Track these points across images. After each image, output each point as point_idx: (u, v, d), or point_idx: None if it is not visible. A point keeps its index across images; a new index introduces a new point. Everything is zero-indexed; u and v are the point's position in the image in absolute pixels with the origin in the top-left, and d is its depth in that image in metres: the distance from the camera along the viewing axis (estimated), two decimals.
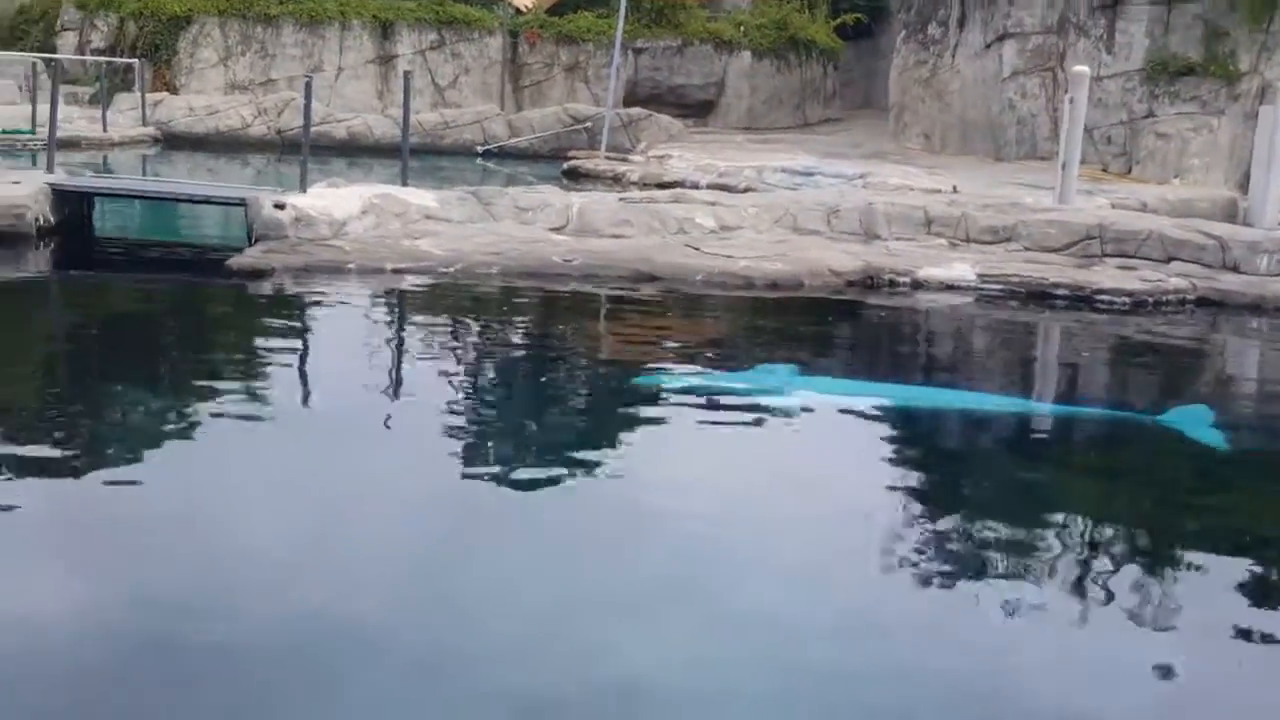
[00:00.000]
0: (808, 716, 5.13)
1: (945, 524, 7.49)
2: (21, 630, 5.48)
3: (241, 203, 15.76)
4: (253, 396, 9.48)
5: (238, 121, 32.66)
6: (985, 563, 6.85)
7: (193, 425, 8.76)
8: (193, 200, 17.51)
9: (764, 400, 9.77)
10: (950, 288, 15.22)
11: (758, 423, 9.33)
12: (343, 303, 13.27)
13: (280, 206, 15.13)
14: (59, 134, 17.87)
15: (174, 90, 34.08)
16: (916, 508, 7.82)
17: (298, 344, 11.81)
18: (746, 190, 21.59)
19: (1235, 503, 8.53)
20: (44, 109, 25.85)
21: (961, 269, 15.51)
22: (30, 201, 15.01)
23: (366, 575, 6.36)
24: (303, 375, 10.57)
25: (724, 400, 9.75)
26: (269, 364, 10.57)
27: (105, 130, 29.15)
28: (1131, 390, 11.94)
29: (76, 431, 8.56)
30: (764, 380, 10.32)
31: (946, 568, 6.75)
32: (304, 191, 16.09)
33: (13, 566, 6.23)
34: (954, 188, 20.10)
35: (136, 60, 32.82)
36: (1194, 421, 9.56)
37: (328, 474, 7.85)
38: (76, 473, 7.65)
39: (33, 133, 26.80)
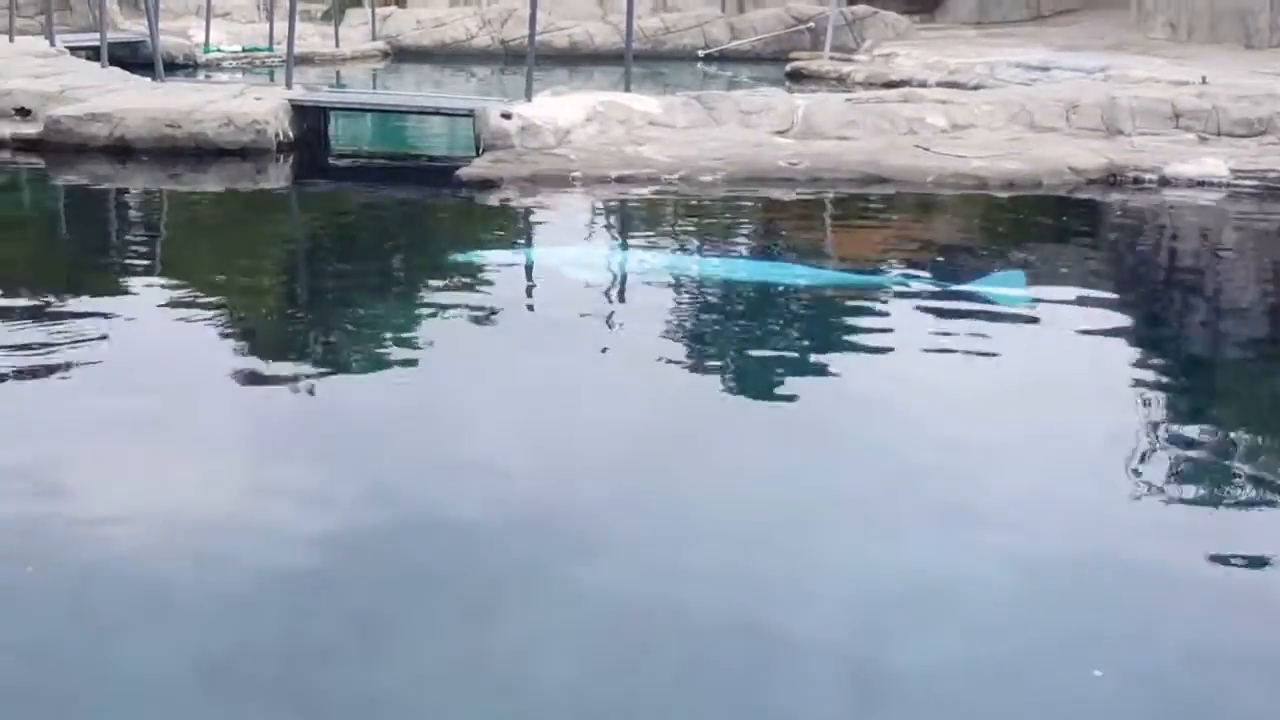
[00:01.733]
0: (1059, 627, 4.88)
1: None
2: (269, 530, 5.62)
3: (469, 113, 15.91)
4: (479, 304, 9.54)
5: (462, 33, 33.08)
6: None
7: (422, 330, 8.89)
8: (423, 112, 17.78)
9: (999, 306, 9.44)
10: (1200, 184, 14.36)
11: (992, 327, 8.95)
12: (568, 209, 13.31)
13: (507, 116, 15.21)
14: (294, 50, 18.30)
15: (402, 4, 34.70)
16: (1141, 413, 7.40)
17: (523, 252, 11.77)
18: (978, 87, 20.78)
19: None
20: (280, 26, 26.65)
21: (1213, 164, 14.60)
22: (270, 117, 15.43)
23: (594, 473, 6.38)
24: (529, 283, 10.61)
25: (955, 304, 9.40)
26: (495, 272, 10.60)
27: (337, 46, 29.89)
28: None
29: (312, 336, 8.82)
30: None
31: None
32: (529, 100, 16.13)
33: (258, 466, 6.40)
34: (1203, 79, 18.91)
35: None
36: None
37: (555, 377, 7.86)
38: (313, 375, 7.82)
39: (270, 49, 27.68)
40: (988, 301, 9.55)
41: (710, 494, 6.14)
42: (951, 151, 14.97)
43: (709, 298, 10.15)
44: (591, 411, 7.27)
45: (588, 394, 7.60)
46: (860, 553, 5.49)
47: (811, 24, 32.52)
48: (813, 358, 8.44)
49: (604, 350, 8.68)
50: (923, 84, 21.38)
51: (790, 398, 7.68)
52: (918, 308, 9.38)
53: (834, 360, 8.36)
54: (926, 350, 8.41)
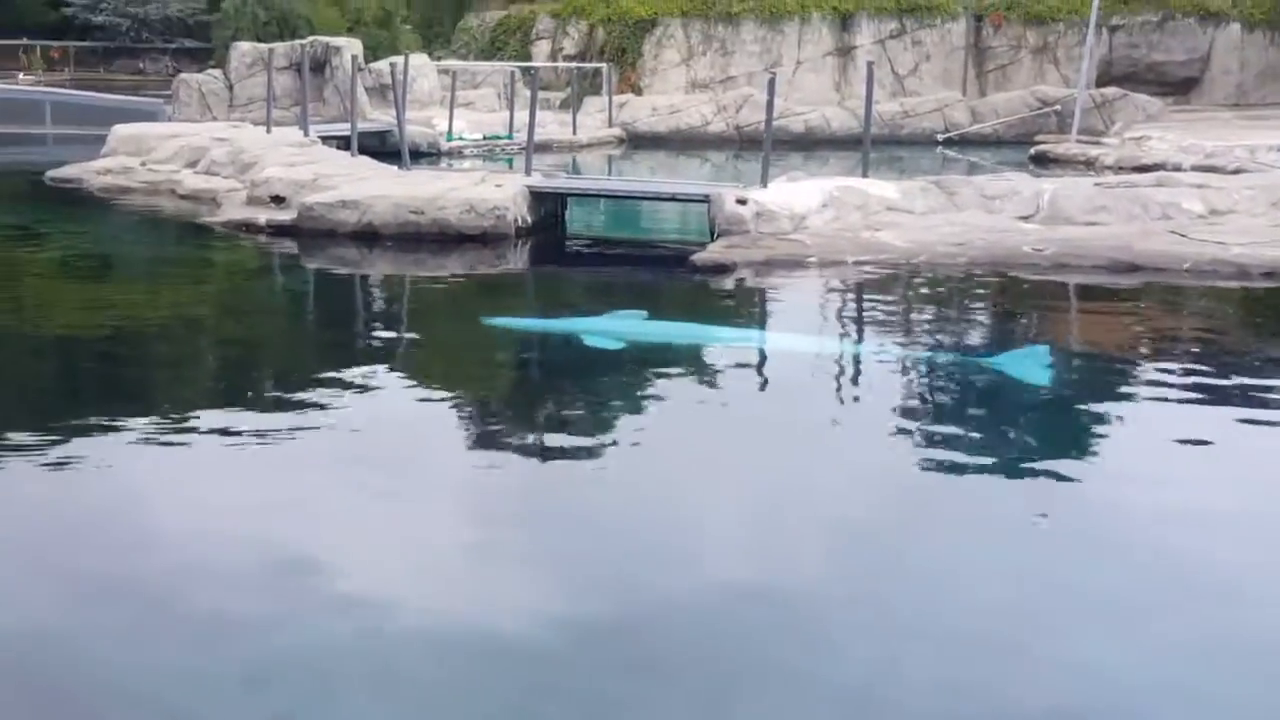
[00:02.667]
0: None
1: None
2: (501, 609, 5.54)
3: (704, 199, 15.88)
4: (712, 383, 9.60)
5: (698, 119, 33.35)
6: None
7: (654, 412, 8.87)
8: (658, 198, 17.85)
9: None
10: None
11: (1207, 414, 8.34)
12: (804, 296, 13.11)
13: (742, 202, 15.12)
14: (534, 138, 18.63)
15: (638, 92, 35.22)
16: None
17: (757, 333, 11.69)
18: (1238, 171, 19.79)
19: None
20: (520, 115, 27.31)
21: None
22: (510, 203, 15.68)
23: (819, 564, 6.23)
24: (761, 365, 10.48)
25: (1213, 396, 8.84)
26: (729, 354, 10.51)
27: (575, 133, 30.44)
28: None
29: (547, 418, 8.83)
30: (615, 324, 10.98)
31: None
32: (765, 186, 16.01)
33: (489, 545, 6.35)
34: None
35: (604, 64, 34.12)
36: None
37: (782, 464, 7.74)
38: (546, 457, 7.87)
39: (510, 137, 28.36)
40: (1006, 377, 9.57)
41: (936, 588, 5.90)
42: (1210, 238, 14.20)
43: (943, 386, 9.77)
44: (817, 499, 7.14)
45: (813, 481, 7.47)
46: (1100, 657, 5.12)
47: (1058, 107, 31.71)
48: (1034, 448, 8.16)
49: (832, 438, 8.49)
50: (1177, 168, 20.47)
51: (1013, 489, 7.34)
52: (1167, 397, 8.81)
53: (1052, 451, 7.98)
54: (1142, 438, 8.07)
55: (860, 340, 11.46)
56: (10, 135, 30.87)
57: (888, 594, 5.89)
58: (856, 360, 10.65)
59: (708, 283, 13.72)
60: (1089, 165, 24.58)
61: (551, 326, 11.49)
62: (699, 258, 14.25)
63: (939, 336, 11.28)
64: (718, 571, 6.08)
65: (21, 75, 49.32)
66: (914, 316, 12.33)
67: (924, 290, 13.20)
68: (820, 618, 5.60)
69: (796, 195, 15.69)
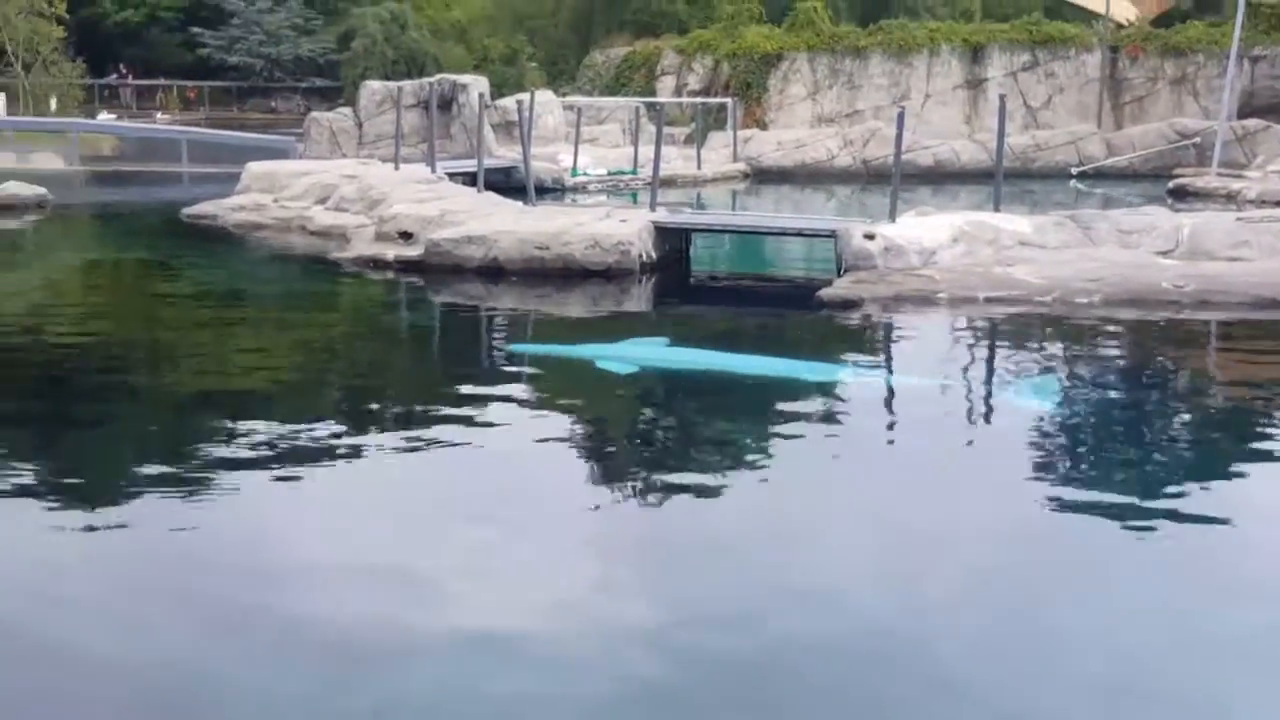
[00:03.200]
0: None
1: None
2: (627, 642, 5.53)
3: (831, 234, 15.67)
4: (838, 420, 9.47)
5: (823, 154, 33.11)
6: None
7: (779, 450, 8.77)
8: (784, 233, 17.66)
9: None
10: None
11: None
12: (931, 331, 12.83)
13: (870, 237, 14.88)
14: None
15: (763, 126, 35.10)
16: None
17: (884, 373, 11.47)
18: None
19: None
20: (644, 150, 27.34)
21: None
22: (635, 238, 15.63)
23: (951, 607, 6.09)
24: (888, 405, 10.26)
25: None
26: (858, 394, 10.34)
27: (699, 168, 30.40)
28: None
29: (666, 452, 8.76)
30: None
31: None
32: (893, 221, 15.75)
33: (614, 579, 6.29)
34: None
35: (729, 99, 34.07)
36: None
37: (912, 502, 7.63)
38: (669, 490, 7.87)
39: (634, 172, 28.40)
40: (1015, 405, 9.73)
41: (1080, 634, 5.69)
42: None
43: (1080, 424, 9.45)
44: (949, 540, 7.00)
45: (944, 521, 7.31)
46: (1241, 704, 4.91)
47: (1197, 139, 30.90)
48: (1184, 485, 7.84)
49: (963, 477, 8.30)
50: None
51: (1162, 528, 7.07)
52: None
53: (1183, 490, 7.72)
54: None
55: (893, 370, 11.46)
56: (149, 173, 31.77)
57: (1018, 636, 5.71)
58: (988, 400, 10.36)
59: (834, 318, 13.50)
60: (1230, 199, 23.85)
61: (573, 351, 11.67)
62: (825, 293, 14.04)
63: (1063, 374, 10.94)
64: (846, 612, 6.00)
65: (160, 115, 50.85)
66: (1038, 353, 11.99)
67: (1056, 326, 12.84)
68: (948, 660, 5.43)
69: (926, 230, 15.40)
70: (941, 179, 30.49)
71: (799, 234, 17.27)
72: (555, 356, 11.79)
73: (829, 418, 9.60)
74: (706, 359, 11.44)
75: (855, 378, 10.79)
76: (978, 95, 34.84)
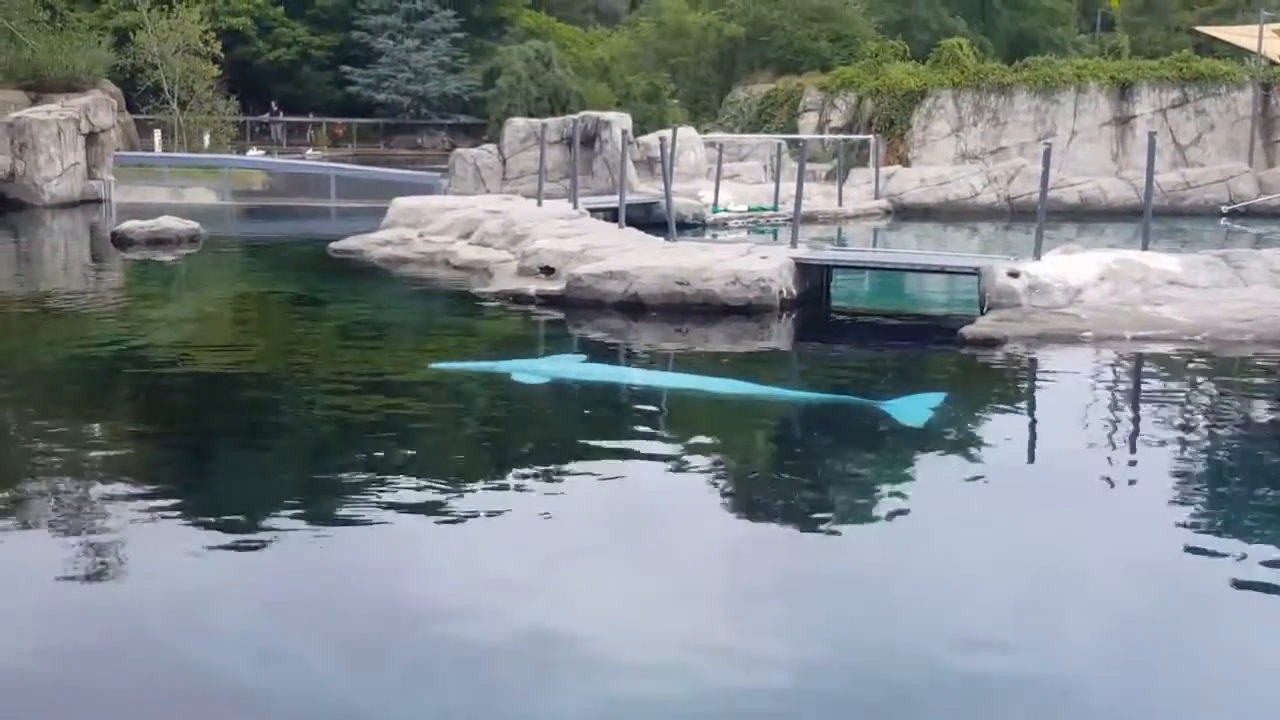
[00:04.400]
0: None
1: None
2: (747, 662, 5.47)
3: (974, 271, 15.45)
4: (979, 459, 9.39)
5: (966, 190, 32.70)
6: None
7: (916, 487, 8.77)
8: (926, 270, 17.46)
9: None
10: None
11: None
12: (1077, 371, 12.59)
13: (1014, 274, 14.63)
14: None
15: (906, 163, 34.80)
16: None
17: (1028, 412, 11.31)
18: None
19: None
20: (785, 186, 27.29)
21: None
22: (775, 275, 15.57)
23: (1089, 651, 6.00)
24: (1031, 444, 10.21)
25: None
26: (998, 430, 10.29)
27: (840, 204, 30.23)
28: None
29: (802, 489, 8.73)
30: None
31: None
32: (1038, 258, 15.47)
33: (743, 606, 6.23)
34: None
35: (872, 136, 33.87)
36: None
37: (1057, 541, 7.63)
38: (806, 525, 7.93)
39: (775, 209, 28.34)
40: (897, 421, 10.18)
41: (1219, 689, 5.60)
42: None
43: (1234, 466, 9.20)
44: (1091, 579, 6.95)
45: (1089, 561, 7.26)
46: None
47: None
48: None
49: (1111, 517, 8.20)
50: None
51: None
52: None
53: None
54: None
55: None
56: (298, 208, 32.60)
57: (1163, 690, 5.60)
58: (1133, 440, 10.09)
59: (976, 356, 13.29)
60: None
61: (490, 368, 12.34)
62: (968, 330, 13.84)
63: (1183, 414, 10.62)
64: (984, 650, 5.94)
65: (310, 151, 52.20)
66: (1186, 393, 11.65)
67: (1205, 367, 12.49)
68: (1085, 702, 5.35)
69: (1072, 268, 15.10)
70: (1087, 216, 29.93)
71: (941, 271, 17.06)
72: (474, 373, 12.31)
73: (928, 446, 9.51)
74: (620, 374, 12.37)
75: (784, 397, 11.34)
76: (1125, 132, 34.14)
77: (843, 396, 11.32)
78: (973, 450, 9.76)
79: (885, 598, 6.73)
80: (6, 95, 32.68)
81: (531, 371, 12.18)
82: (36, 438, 10.02)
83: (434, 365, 12.52)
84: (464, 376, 12.20)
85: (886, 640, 6.13)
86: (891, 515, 8.21)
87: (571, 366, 12.47)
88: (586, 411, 11.30)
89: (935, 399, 10.95)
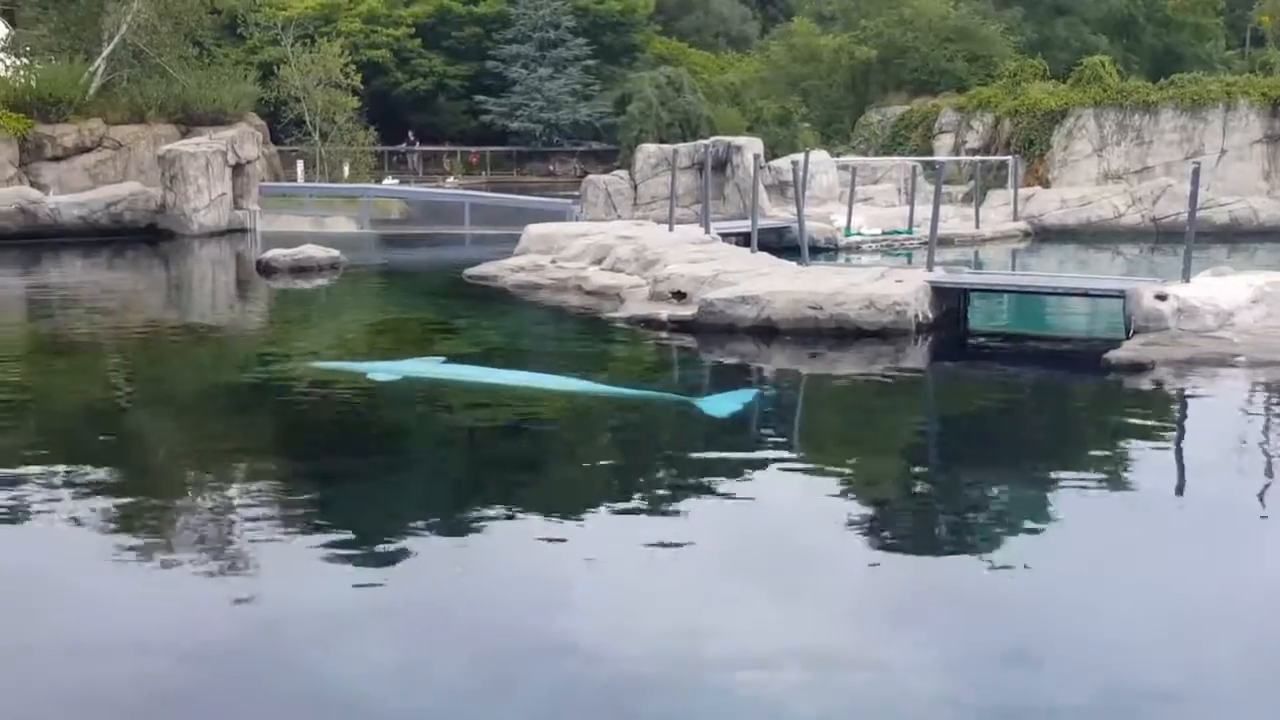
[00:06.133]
0: None
1: None
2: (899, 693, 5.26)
3: (1118, 295, 14.99)
4: (1127, 487, 9.18)
5: (1109, 211, 31.92)
6: None
7: (1057, 518, 8.56)
8: (1068, 294, 17.00)
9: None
10: None
11: None
12: (1230, 397, 12.17)
13: (1162, 297, 14.15)
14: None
15: (1045, 184, 34.12)
16: None
17: (1176, 440, 10.96)
18: None
19: None
20: (920, 209, 26.89)
21: None
22: (911, 299, 15.29)
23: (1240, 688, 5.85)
24: (1180, 473, 9.85)
25: None
26: (1144, 460, 9.94)
27: (977, 226, 29.71)
28: None
29: (933, 517, 8.59)
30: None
31: None
32: (1187, 281, 14.95)
33: (883, 634, 6.05)
34: None
35: (1010, 157, 33.25)
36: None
37: (1203, 573, 7.45)
38: (940, 553, 7.79)
39: (910, 232, 27.94)
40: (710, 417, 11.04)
41: None
42: None
43: None
44: (1243, 613, 6.74)
45: (1238, 594, 7.06)
46: None
47: None
48: None
49: (1266, 550, 7.91)
50: None
51: None
52: None
53: None
54: None
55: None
56: (434, 235, 33.03)
57: None
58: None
59: (1122, 382, 12.87)
60: None
61: (354, 368, 13.47)
62: (1113, 355, 13.41)
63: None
64: (1130, 691, 5.78)
65: (450, 179, 53.03)
66: None
67: None
68: None
69: (1223, 290, 14.56)
70: (1238, 237, 29.02)
71: (1084, 294, 16.60)
72: (342, 371, 13.36)
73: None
74: (478, 374, 13.15)
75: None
76: (1278, 151, 33.02)
77: (659, 393, 12.32)
78: (1120, 478, 9.46)
79: (1032, 629, 6.54)
80: (158, 129, 33.68)
81: (389, 372, 13.11)
82: (184, 459, 10.28)
83: (310, 363, 13.83)
84: (337, 375, 13.27)
85: (1035, 679, 5.94)
86: (1036, 544, 7.96)
87: (431, 368, 13.42)
88: (724, 437, 11.17)
89: (746, 395, 12.06)
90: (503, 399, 12.27)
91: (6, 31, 40.31)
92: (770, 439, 11.23)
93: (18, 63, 36.87)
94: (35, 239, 28.38)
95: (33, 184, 30.91)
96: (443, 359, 13.90)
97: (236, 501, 8.88)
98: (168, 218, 30.63)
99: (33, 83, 33.44)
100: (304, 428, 11.71)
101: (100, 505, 8.74)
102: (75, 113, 32.82)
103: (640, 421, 11.70)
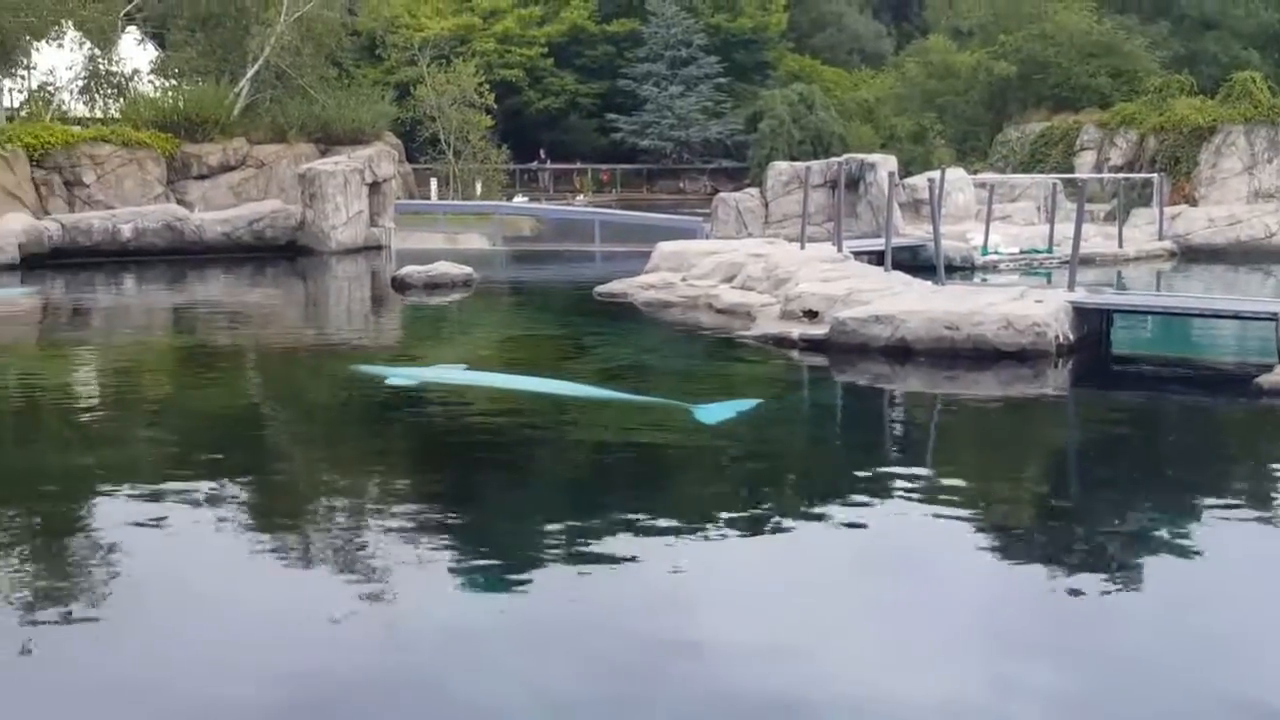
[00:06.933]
0: None
1: None
2: None
3: (1271, 318, 14.41)
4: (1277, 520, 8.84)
5: (1261, 231, 30.92)
6: None
7: (1198, 546, 8.26)
8: (1217, 316, 16.41)
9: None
10: None
11: None
12: None
13: None
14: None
15: (1193, 202, 33.15)
16: None
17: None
18: None
19: None
20: (1060, 228, 26.27)
21: None
22: (1051, 319, 14.88)
23: None
24: None
25: None
26: None
27: (1120, 246, 28.96)
28: None
29: (1069, 544, 8.30)
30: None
31: None
32: None
33: (1003, 662, 5.85)
34: None
35: (1155, 174, 32.38)
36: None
37: None
38: (1074, 577, 7.50)
39: (1049, 251, 27.31)
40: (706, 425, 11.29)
41: None
42: None
43: None
44: None
45: None
46: None
47: None
48: None
49: None
50: None
51: None
52: None
53: None
54: None
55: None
56: (566, 253, 33.18)
57: None
58: None
59: (1274, 407, 12.36)
60: None
61: (379, 371, 14.13)
62: (1265, 380, 12.90)
63: None
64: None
65: (581, 197, 53.38)
66: None
67: None
68: None
69: None
70: None
71: (1234, 317, 16.00)
72: (375, 375, 13.96)
73: None
74: (494, 380, 13.91)
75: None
76: None
77: (663, 400, 12.56)
78: (1274, 507, 9.05)
79: (1178, 665, 6.33)
80: (299, 148, 34.36)
81: (406, 377, 13.77)
82: (317, 470, 10.43)
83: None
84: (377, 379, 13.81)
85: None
86: (1179, 576, 7.72)
87: (449, 374, 14.11)
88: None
89: (745, 405, 12.20)
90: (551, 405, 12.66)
91: (156, 54, 41.54)
92: (904, 460, 10.96)
93: (167, 84, 37.94)
94: (181, 255, 29.09)
95: (179, 201, 31.73)
96: (465, 366, 14.55)
97: (366, 511, 8.99)
98: (306, 234, 31.20)
99: (180, 103, 34.36)
100: (429, 438, 11.82)
101: (235, 515, 8.94)
102: (220, 132, 33.65)
103: (758, 434, 11.53)
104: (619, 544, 8.11)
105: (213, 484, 9.65)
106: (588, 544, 8.16)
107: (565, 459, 10.97)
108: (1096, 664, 6.22)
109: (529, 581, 7.51)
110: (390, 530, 8.43)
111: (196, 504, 9.08)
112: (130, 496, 9.36)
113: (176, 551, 8.14)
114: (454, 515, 8.97)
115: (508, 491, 9.70)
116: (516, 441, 11.50)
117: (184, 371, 15.89)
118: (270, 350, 17.50)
